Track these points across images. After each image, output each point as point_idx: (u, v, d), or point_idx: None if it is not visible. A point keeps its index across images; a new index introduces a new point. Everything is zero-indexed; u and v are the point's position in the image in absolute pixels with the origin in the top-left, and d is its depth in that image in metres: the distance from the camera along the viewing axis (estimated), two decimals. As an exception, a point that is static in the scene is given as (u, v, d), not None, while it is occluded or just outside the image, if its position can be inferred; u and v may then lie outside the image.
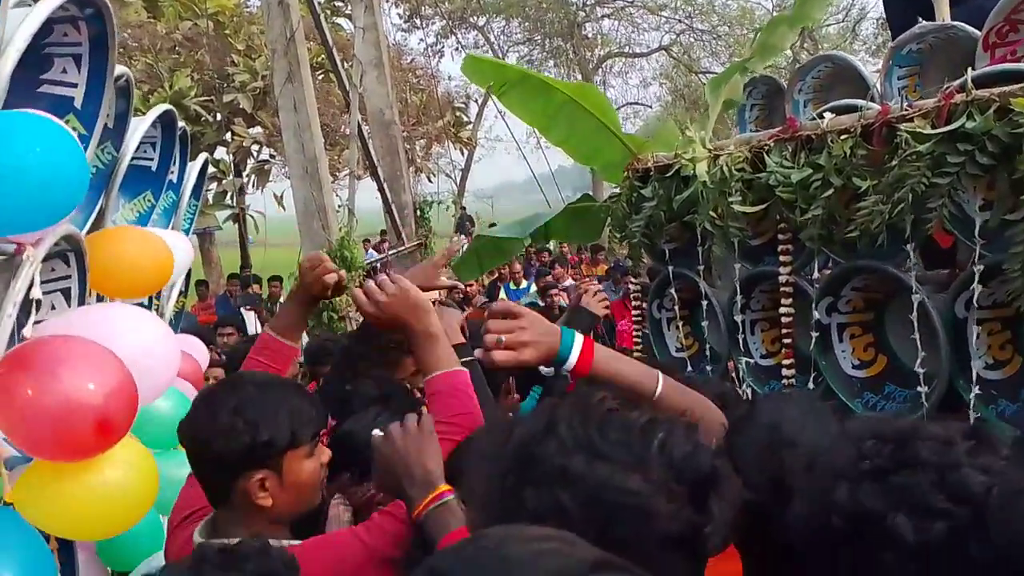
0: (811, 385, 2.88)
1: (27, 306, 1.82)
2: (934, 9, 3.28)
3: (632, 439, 0.95)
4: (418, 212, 11.56)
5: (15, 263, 1.76)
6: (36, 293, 1.81)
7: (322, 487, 1.70)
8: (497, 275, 10.33)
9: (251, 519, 1.53)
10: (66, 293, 2.11)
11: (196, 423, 1.56)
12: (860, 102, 2.58)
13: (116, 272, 2.28)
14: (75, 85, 2.03)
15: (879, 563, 0.87)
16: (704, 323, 3.43)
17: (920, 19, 2.99)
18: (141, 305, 3.02)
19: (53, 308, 2.06)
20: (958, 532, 0.83)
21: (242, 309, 8.59)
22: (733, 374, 3.38)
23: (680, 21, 23.07)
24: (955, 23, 2.91)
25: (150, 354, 1.63)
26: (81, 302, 2.12)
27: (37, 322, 1.89)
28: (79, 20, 1.94)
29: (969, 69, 2.21)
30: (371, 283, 1.68)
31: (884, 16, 4.47)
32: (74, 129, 2.04)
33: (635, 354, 4.20)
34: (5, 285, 1.72)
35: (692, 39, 23.55)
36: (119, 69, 2.18)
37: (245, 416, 1.50)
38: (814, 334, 2.82)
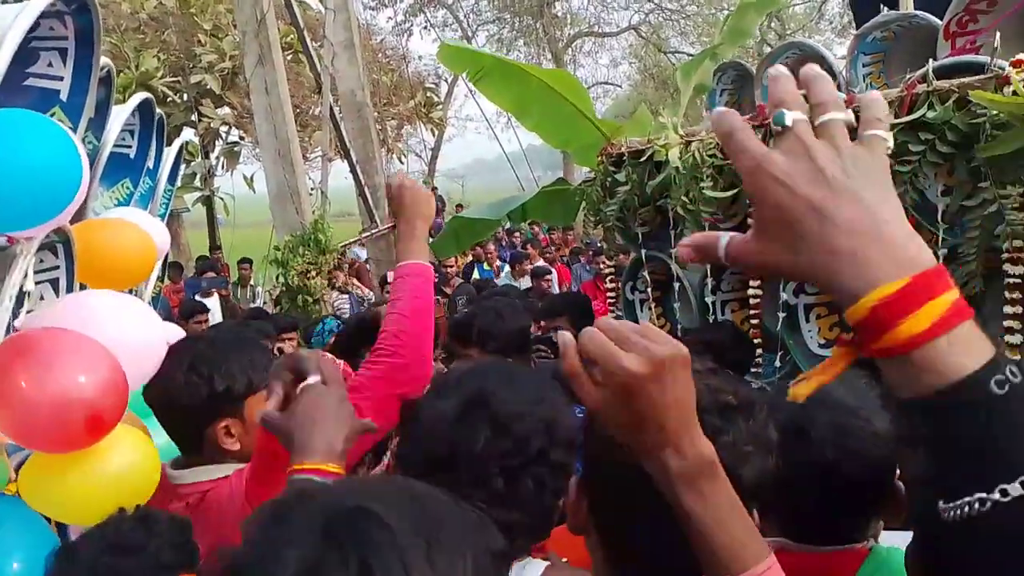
0: (778, 363, 3.00)
1: (20, 297, 1.86)
2: (898, -2, 3.39)
3: None
4: (391, 194, 11.49)
5: (8, 255, 1.79)
6: (29, 285, 1.85)
7: None
8: (472, 257, 10.38)
9: (220, 462, 1.64)
10: (54, 283, 2.14)
11: (158, 384, 1.71)
12: (826, 91, 2.67)
13: (101, 264, 2.30)
14: (61, 78, 2.06)
15: None
16: (676, 304, 3.53)
17: (884, 7, 3.09)
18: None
19: (42, 298, 2.09)
20: None
21: (197, 296, 8.15)
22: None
23: (649, 0, 23.08)
24: (917, 12, 3.00)
25: (138, 342, 1.68)
26: (69, 291, 2.15)
27: (28, 311, 1.92)
28: (65, 15, 1.95)
29: (931, 60, 2.30)
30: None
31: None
32: (60, 121, 2.06)
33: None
34: (0, 277, 1.76)
35: (661, 19, 23.59)
36: (102, 61, 2.20)
37: (199, 371, 1.64)
38: (781, 314, 2.93)
